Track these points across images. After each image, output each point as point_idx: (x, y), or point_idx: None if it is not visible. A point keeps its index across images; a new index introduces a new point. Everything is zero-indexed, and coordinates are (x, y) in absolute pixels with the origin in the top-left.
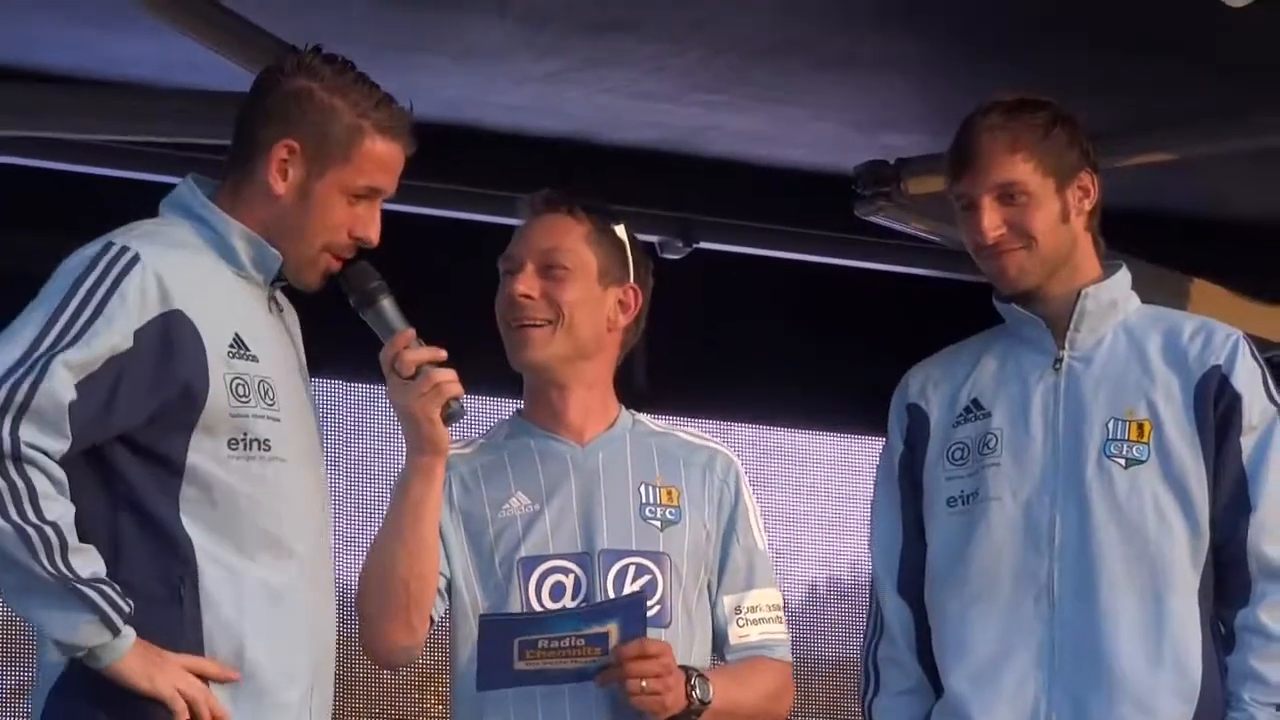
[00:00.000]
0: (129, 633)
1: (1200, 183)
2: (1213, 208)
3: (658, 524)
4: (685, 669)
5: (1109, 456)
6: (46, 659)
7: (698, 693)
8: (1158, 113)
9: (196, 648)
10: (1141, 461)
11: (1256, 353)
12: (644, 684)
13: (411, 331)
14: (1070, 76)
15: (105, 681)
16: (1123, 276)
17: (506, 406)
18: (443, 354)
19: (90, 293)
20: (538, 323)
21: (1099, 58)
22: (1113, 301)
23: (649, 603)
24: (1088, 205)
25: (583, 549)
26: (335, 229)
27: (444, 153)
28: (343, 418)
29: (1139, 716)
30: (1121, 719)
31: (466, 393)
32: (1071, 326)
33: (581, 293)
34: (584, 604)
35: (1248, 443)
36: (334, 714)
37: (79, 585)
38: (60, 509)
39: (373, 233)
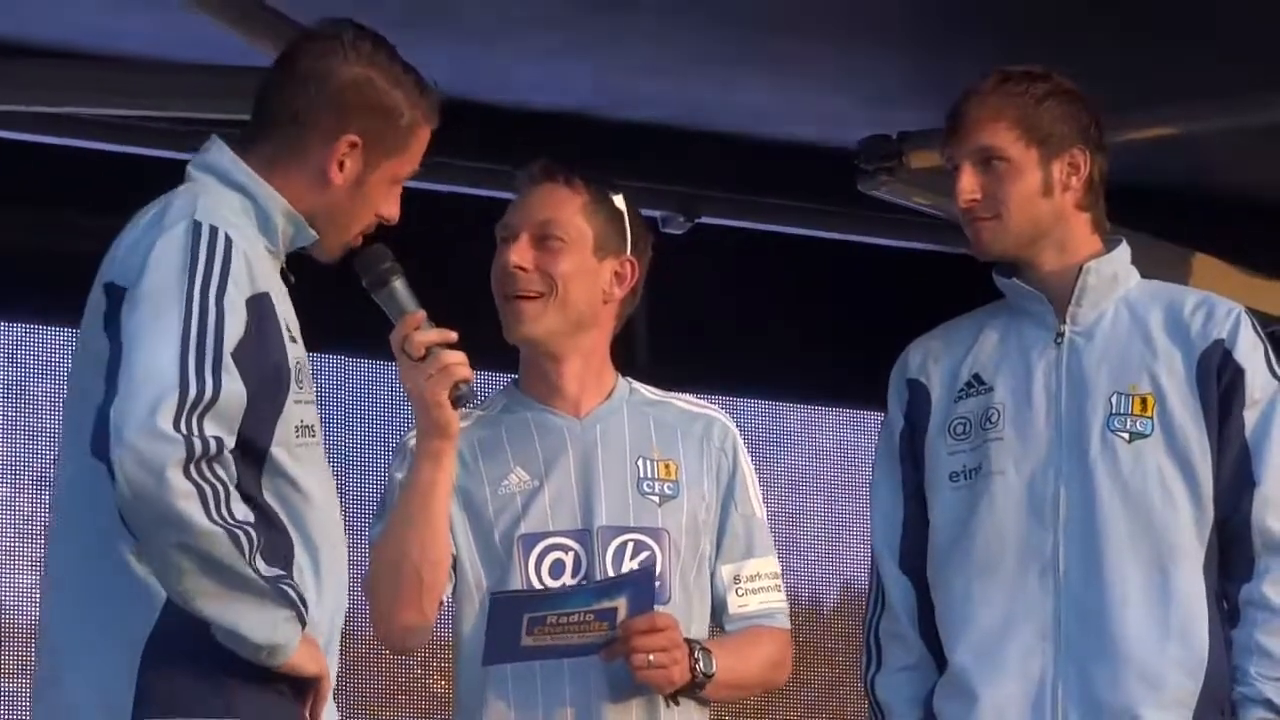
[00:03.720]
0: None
1: (1202, 158)
2: (1215, 183)
3: (656, 499)
4: (689, 642)
5: (1113, 431)
6: (127, 615)
7: (701, 666)
8: (1160, 88)
9: None
10: (1145, 436)
11: (1258, 327)
12: (650, 658)
13: (422, 313)
14: (1073, 53)
15: (201, 654)
16: (1123, 251)
17: (504, 382)
18: (453, 336)
19: (207, 277)
20: (531, 295)
21: (1101, 35)
22: (1114, 276)
23: None
24: (1076, 182)
25: (582, 525)
26: (373, 213)
27: (442, 127)
28: (347, 393)
29: (1146, 690)
30: (1128, 693)
31: None
32: (1073, 301)
33: (576, 265)
34: (585, 579)
35: (1250, 416)
36: (335, 693)
37: (277, 583)
38: (244, 509)
39: (395, 211)
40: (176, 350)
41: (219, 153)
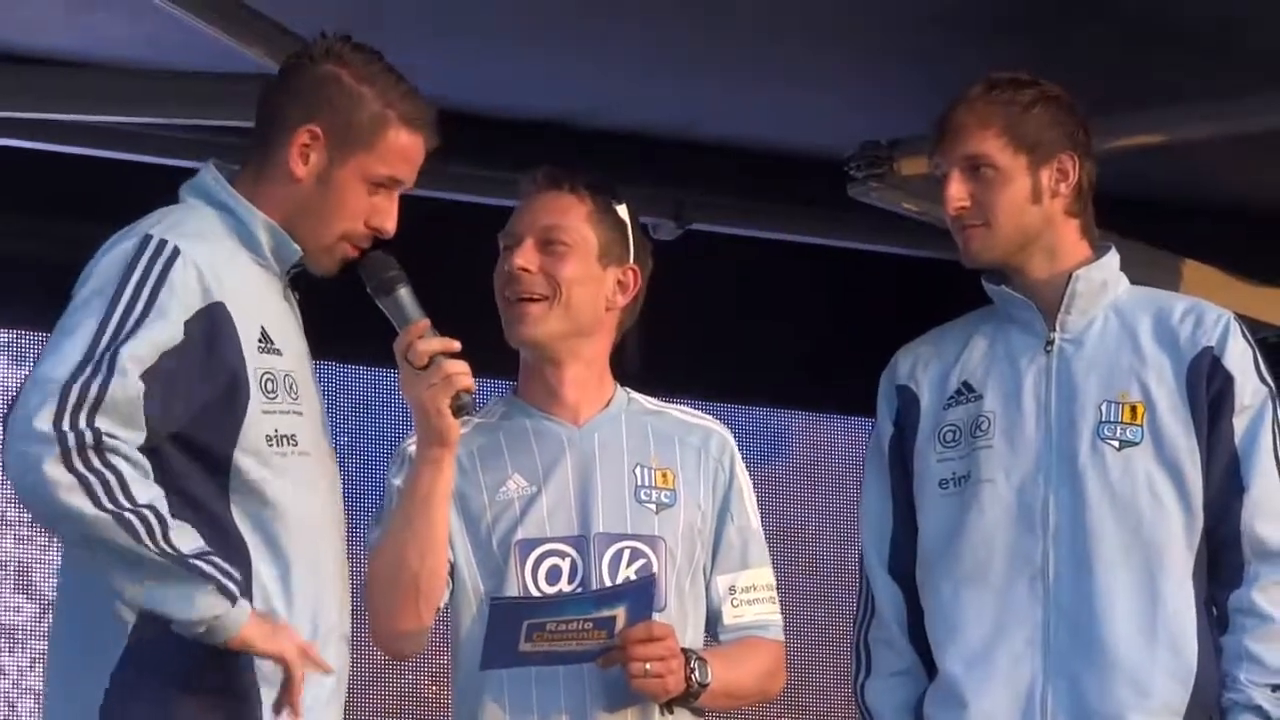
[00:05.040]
0: (244, 602)
1: (1194, 165)
2: (1206, 190)
3: (653, 507)
4: (685, 652)
5: (1102, 438)
6: (102, 637)
7: (697, 675)
8: (1149, 95)
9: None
10: (1135, 443)
11: (1247, 333)
12: (647, 667)
13: (426, 321)
14: (1069, 59)
15: (165, 687)
16: (1112, 258)
17: (502, 390)
18: (456, 345)
19: (139, 287)
20: (535, 297)
21: (1099, 41)
22: (1103, 283)
23: None
24: (1064, 188)
25: (579, 532)
26: (353, 217)
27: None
28: (348, 400)
29: (1135, 697)
30: (1118, 700)
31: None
32: (1062, 308)
33: (580, 270)
34: (582, 586)
35: (1240, 423)
36: None
37: (188, 559)
38: (151, 491)
39: (389, 224)
40: (83, 352)
41: (204, 175)
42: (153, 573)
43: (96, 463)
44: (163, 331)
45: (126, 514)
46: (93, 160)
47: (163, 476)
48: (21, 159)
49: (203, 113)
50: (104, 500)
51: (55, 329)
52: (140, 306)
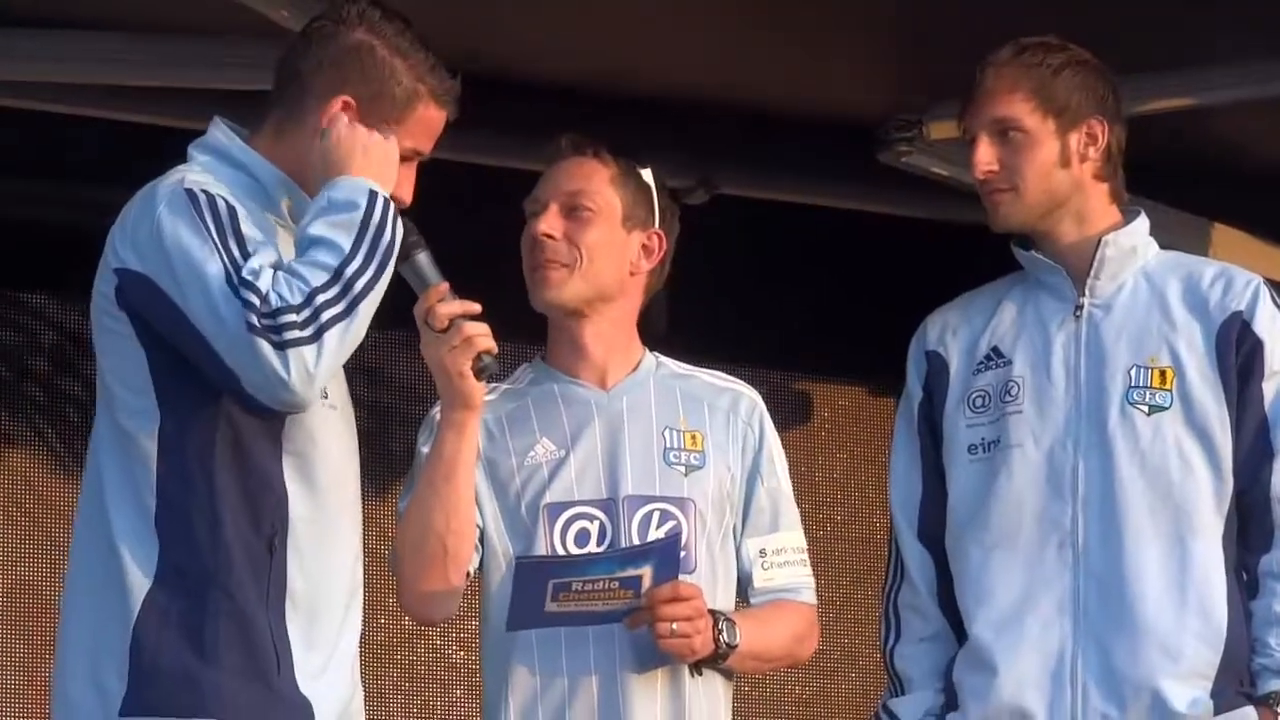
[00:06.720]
0: None
1: (1224, 129)
2: (1236, 154)
3: (682, 469)
4: (713, 613)
5: (1132, 404)
6: (123, 593)
7: (725, 636)
8: (1179, 58)
9: (280, 590)
10: (1164, 408)
11: (1277, 298)
12: (674, 627)
13: (445, 285)
14: (1099, 23)
15: (181, 650)
16: (1142, 223)
17: (526, 355)
18: (476, 307)
19: (221, 229)
20: (559, 263)
21: (1127, 4)
22: (1133, 248)
23: None
24: (1094, 153)
25: (607, 495)
26: None
27: (459, 97)
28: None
29: (1165, 662)
30: (1148, 665)
31: None
32: (1092, 274)
33: (604, 235)
34: (612, 548)
35: (1270, 388)
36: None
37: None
38: (265, 277)
39: (406, 193)
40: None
41: (215, 133)
42: (361, 242)
43: (266, 323)
44: (271, 253)
45: (277, 319)
46: (106, 123)
47: (219, 427)
48: (34, 123)
49: (220, 76)
50: (274, 335)
51: (192, 303)
52: (232, 238)
